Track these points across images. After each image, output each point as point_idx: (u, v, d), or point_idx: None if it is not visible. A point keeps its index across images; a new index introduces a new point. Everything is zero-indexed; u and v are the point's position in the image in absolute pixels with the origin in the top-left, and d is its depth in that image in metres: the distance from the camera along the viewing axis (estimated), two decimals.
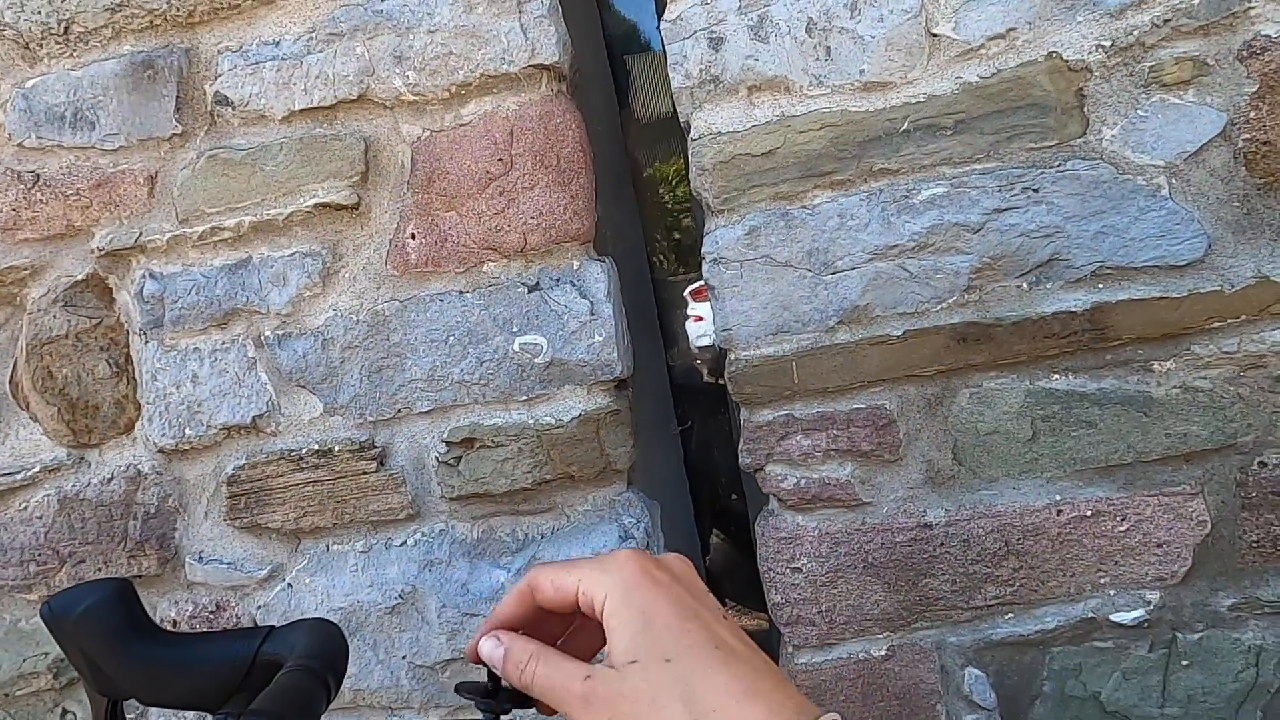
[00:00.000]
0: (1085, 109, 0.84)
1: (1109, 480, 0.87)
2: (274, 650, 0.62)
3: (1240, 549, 0.85)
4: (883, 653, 0.91)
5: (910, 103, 0.87)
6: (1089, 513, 0.86)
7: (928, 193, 0.87)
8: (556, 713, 0.44)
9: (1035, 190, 0.84)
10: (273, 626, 0.64)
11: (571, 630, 0.46)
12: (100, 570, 1.06)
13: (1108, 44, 0.82)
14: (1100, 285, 0.84)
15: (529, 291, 0.96)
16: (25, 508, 1.08)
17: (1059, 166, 0.84)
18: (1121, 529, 0.86)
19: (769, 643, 1.26)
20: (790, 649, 0.93)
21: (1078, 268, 0.84)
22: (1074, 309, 0.84)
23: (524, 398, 0.97)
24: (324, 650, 0.59)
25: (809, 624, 0.92)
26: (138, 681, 0.61)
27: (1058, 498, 0.87)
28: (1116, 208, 0.83)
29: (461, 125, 0.96)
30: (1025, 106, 0.84)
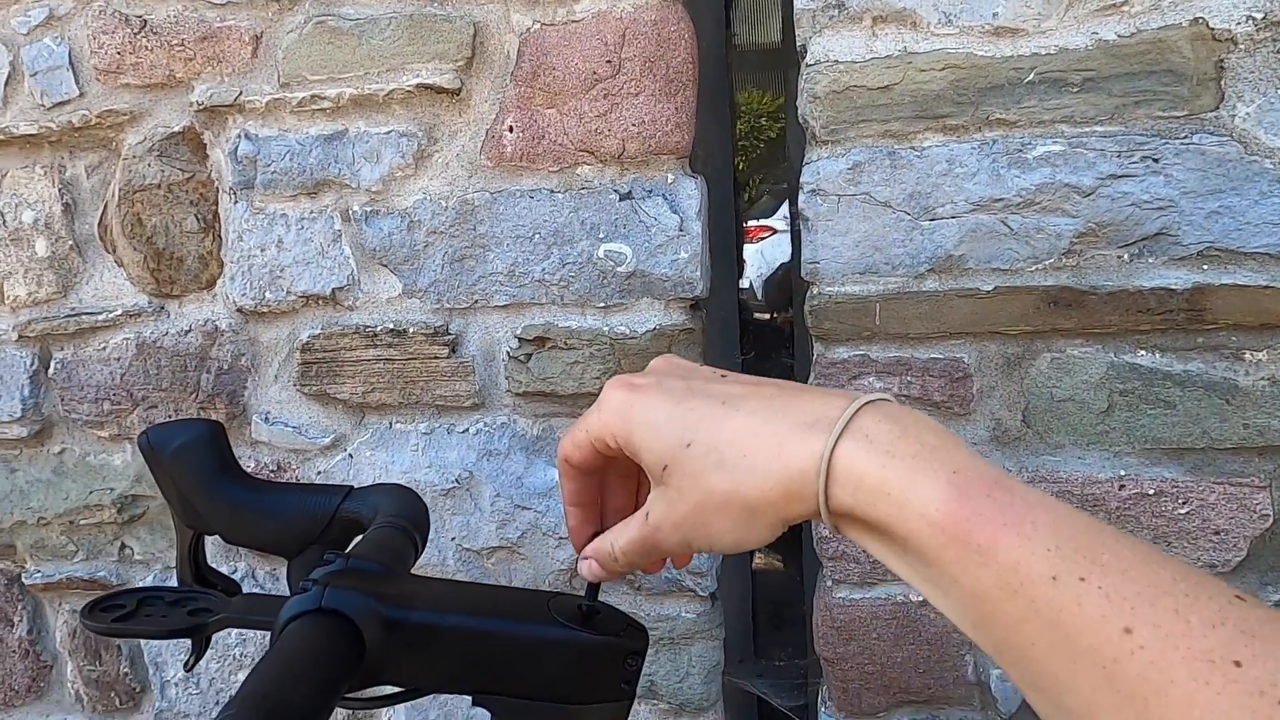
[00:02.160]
0: (1223, 82, 0.81)
1: (1177, 462, 0.86)
2: (354, 509, 0.65)
3: None
4: (921, 599, 0.93)
5: (1039, 53, 0.84)
6: (1151, 491, 0.86)
7: (1043, 149, 0.85)
8: (661, 566, 0.47)
9: (1155, 160, 0.82)
10: (352, 486, 0.67)
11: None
12: (171, 416, 1.10)
13: (1259, 16, 0.79)
14: (1205, 266, 0.83)
15: (620, 199, 0.95)
16: (104, 348, 1.12)
17: (1184, 138, 0.82)
18: (1182, 511, 0.86)
19: (793, 582, 1.29)
20: (830, 583, 0.95)
21: (1185, 245, 0.83)
22: (1173, 286, 0.83)
23: (601, 304, 0.97)
24: (411, 512, 0.61)
25: (852, 561, 0.93)
26: (223, 520, 0.64)
27: (1122, 473, 0.87)
28: (1237, 189, 0.81)
29: (574, 21, 0.94)
30: (1160, 72, 0.82)
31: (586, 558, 0.46)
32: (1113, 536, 0.31)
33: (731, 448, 0.38)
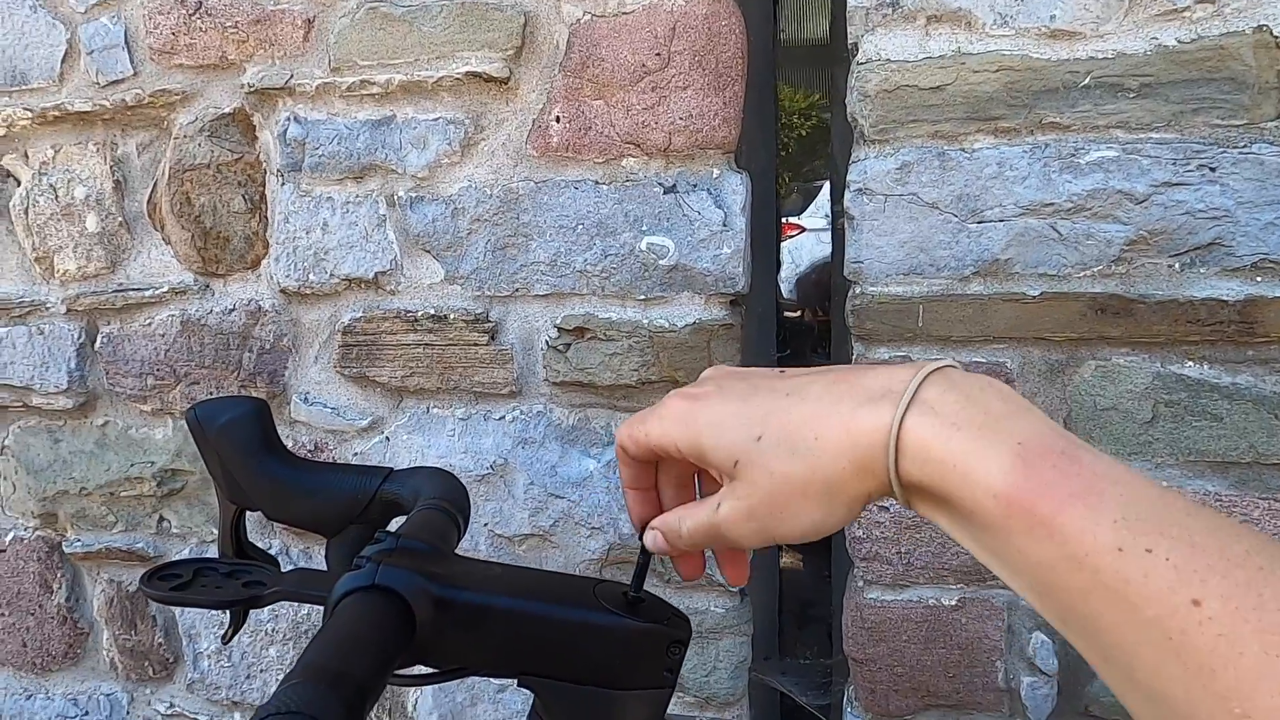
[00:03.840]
0: None
1: (1221, 476, 0.85)
2: (393, 490, 0.66)
3: None
4: (953, 602, 0.92)
5: (1096, 57, 0.83)
6: None
7: (1096, 154, 0.84)
8: (701, 571, 0.47)
9: (1212, 169, 0.81)
10: (392, 469, 0.68)
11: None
12: (213, 393, 1.11)
13: None
14: (1259, 278, 0.81)
15: (665, 193, 0.95)
16: (150, 324, 1.13)
17: (1243, 147, 0.80)
18: None
19: (819, 581, 1.28)
20: (861, 583, 0.95)
21: (1239, 256, 0.81)
22: (1225, 298, 0.82)
23: (642, 297, 0.97)
24: (453, 495, 0.62)
25: (885, 563, 0.93)
26: (265, 496, 0.65)
27: (1164, 484, 0.86)
28: None
29: (624, 13, 0.95)
30: (1220, 79, 0.80)
31: (654, 529, 0.46)
32: (1184, 508, 0.30)
33: (802, 432, 0.38)
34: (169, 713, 1.24)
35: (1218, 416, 0.84)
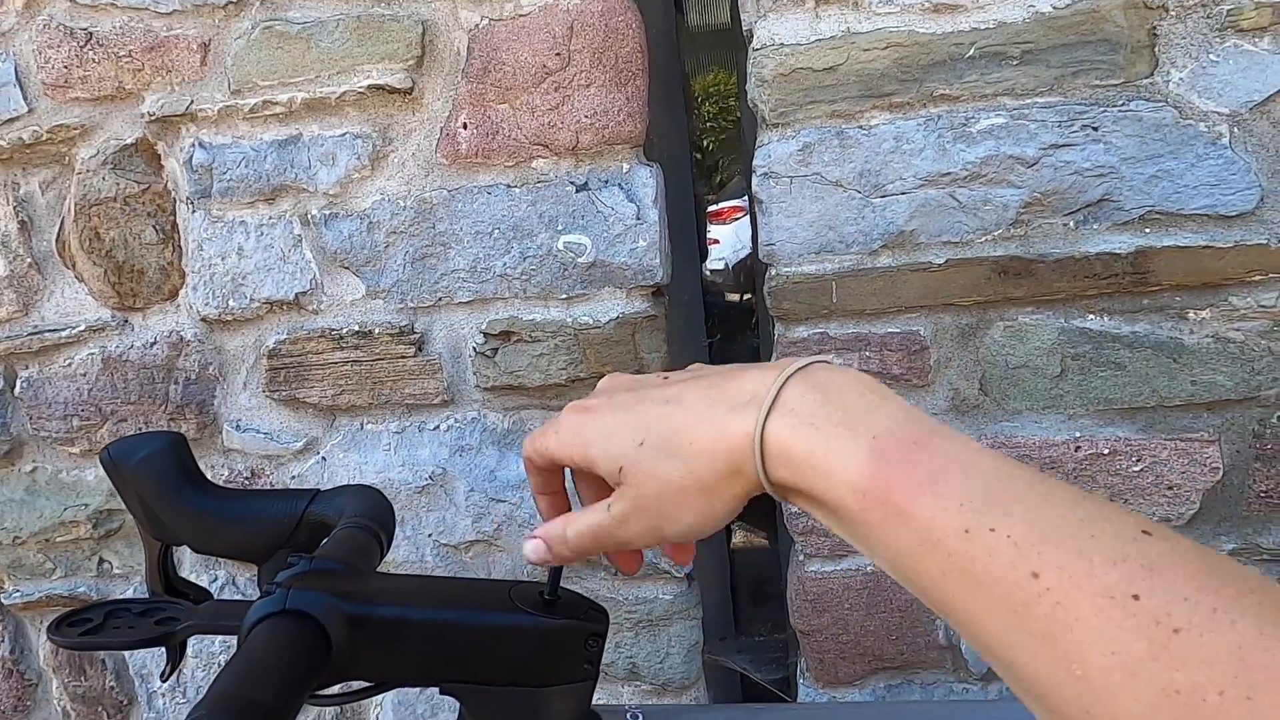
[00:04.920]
0: (1156, 49, 0.83)
1: (1129, 422, 0.89)
2: (320, 511, 0.66)
3: (1248, 498, 0.88)
4: None
5: (979, 28, 0.85)
6: (1106, 451, 0.89)
7: (986, 122, 0.86)
8: (636, 567, 0.48)
9: (1095, 129, 0.84)
10: (318, 489, 0.68)
11: None
12: (141, 429, 1.10)
13: None
14: (1147, 230, 0.85)
15: (577, 191, 0.96)
16: (70, 364, 1.11)
17: (1122, 106, 0.84)
18: (1136, 469, 0.89)
19: (774, 558, 1.31)
20: (801, 557, 0.97)
21: (1127, 210, 0.85)
22: (1118, 251, 0.85)
23: (564, 296, 0.98)
24: (375, 511, 0.62)
25: (822, 535, 0.95)
26: (189, 529, 0.65)
27: (1077, 434, 0.90)
28: (1174, 153, 0.83)
29: (521, 15, 0.95)
30: (1095, 41, 0.83)
31: (536, 538, 0.47)
32: (1027, 483, 0.32)
33: (679, 439, 0.40)
34: None
35: (1121, 365, 0.87)
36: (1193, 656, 0.25)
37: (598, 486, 0.49)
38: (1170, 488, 0.88)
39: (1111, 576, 0.28)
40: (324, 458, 1.07)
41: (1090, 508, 0.31)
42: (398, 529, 1.06)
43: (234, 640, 1.16)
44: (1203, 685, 0.25)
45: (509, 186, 0.98)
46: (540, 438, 0.46)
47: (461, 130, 0.98)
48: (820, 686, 0.99)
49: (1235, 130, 0.82)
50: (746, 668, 1.09)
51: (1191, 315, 0.86)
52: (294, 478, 1.08)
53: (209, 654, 1.15)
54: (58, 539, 1.16)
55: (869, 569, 0.96)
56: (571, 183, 0.96)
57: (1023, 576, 0.29)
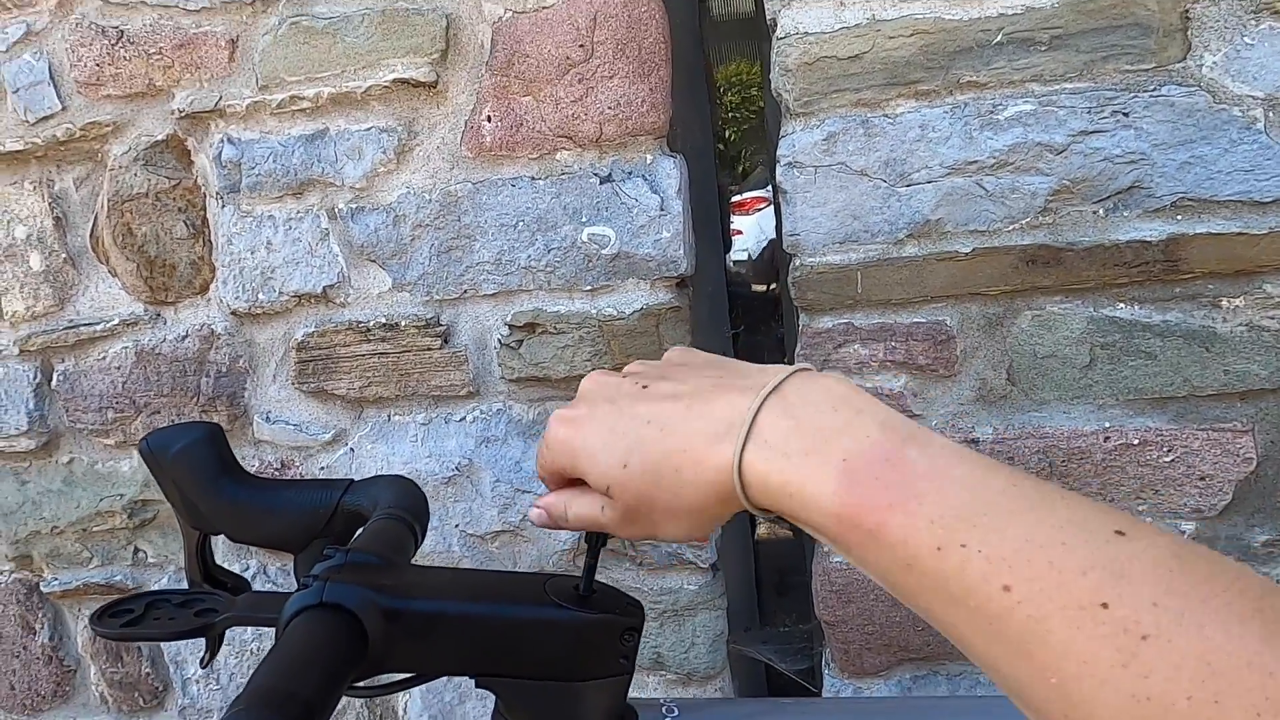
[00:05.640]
0: (1189, 32, 0.81)
1: (1160, 412, 0.88)
2: (354, 501, 0.66)
3: None
4: None
5: (1006, 14, 0.84)
6: (1136, 441, 0.88)
7: (1014, 109, 0.85)
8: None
9: (1125, 114, 0.83)
10: (352, 480, 0.68)
11: None
12: (174, 421, 1.12)
13: None
14: (1179, 217, 0.84)
15: (601, 183, 0.96)
16: (104, 358, 1.13)
17: (1153, 91, 0.82)
18: (1166, 459, 0.87)
19: (799, 549, 1.30)
20: (826, 548, 0.97)
21: (1158, 197, 0.84)
22: (1149, 239, 0.84)
23: (588, 287, 0.99)
24: (409, 503, 0.63)
25: None
26: (226, 519, 0.66)
27: (1107, 425, 0.89)
28: (1207, 138, 0.82)
29: (545, 8, 0.95)
30: (1126, 25, 0.82)
31: (540, 507, 0.48)
32: (1000, 489, 0.32)
33: (663, 466, 0.40)
34: None
35: (1151, 354, 0.86)
36: (1161, 663, 0.26)
37: None
38: (1202, 478, 0.87)
39: (1081, 586, 0.28)
40: (352, 449, 1.08)
41: (1064, 511, 0.31)
42: None
43: (270, 629, 1.17)
44: (1171, 692, 0.25)
45: (533, 179, 0.98)
46: (540, 454, 0.48)
47: (486, 123, 0.98)
48: (845, 677, 0.99)
49: (1270, 115, 0.80)
50: (771, 658, 1.09)
51: (1224, 303, 0.84)
52: (323, 468, 1.09)
53: (241, 641, 1.17)
54: (94, 529, 1.19)
55: None
56: (595, 174, 0.96)
57: (995, 590, 0.29)
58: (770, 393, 0.39)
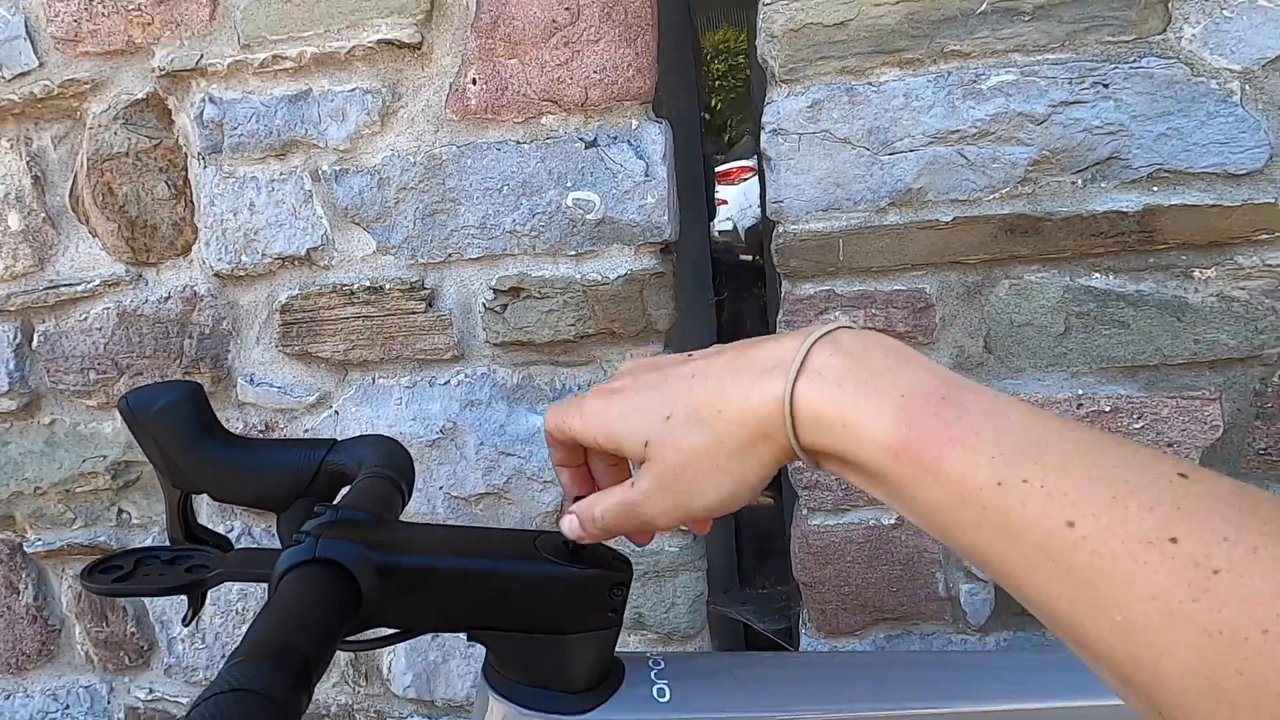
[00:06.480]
0: (1169, 4, 0.82)
1: (1132, 380, 0.90)
2: (338, 460, 0.67)
3: (1246, 455, 0.89)
4: (892, 522, 0.97)
5: None
6: (1108, 409, 0.90)
7: (997, 79, 0.86)
8: (649, 539, 0.50)
9: (1106, 85, 0.84)
10: (336, 439, 0.69)
11: None
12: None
13: None
14: (1155, 188, 0.85)
15: (586, 147, 0.96)
16: (85, 319, 1.13)
17: (1133, 63, 0.83)
18: (1136, 427, 0.90)
19: (780, 518, 1.33)
20: (805, 511, 0.99)
21: (1135, 168, 0.85)
22: (1125, 209, 0.85)
23: (572, 253, 0.99)
24: (395, 461, 0.63)
25: (825, 490, 0.97)
26: (208, 478, 0.66)
27: (1080, 392, 0.91)
28: (1184, 110, 0.83)
29: None
30: None
31: (571, 514, 0.48)
32: (1059, 432, 0.32)
33: (707, 408, 0.40)
34: (150, 699, 1.26)
35: (1125, 324, 0.88)
36: (1233, 597, 0.25)
37: (617, 470, 0.50)
38: (1170, 445, 0.90)
39: (1148, 521, 0.28)
40: (337, 411, 1.09)
41: (1124, 453, 0.31)
42: None
43: (251, 588, 1.18)
44: (1245, 625, 0.25)
45: (518, 143, 0.98)
46: (564, 416, 0.47)
47: (471, 86, 0.98)
48: (822, 637, 1.02)
49: (1247, 88, 0.82)
50: (750, 618, 1.11)
51: (1197, 274, 0.86)
52: (307, 431, 1.10)
53: (226, 602, 1.18)
54: (77, 490, 1.19)
55: (871, 523, 0.97)
56: (580, 139, 0.96)
57: (1057, 526, 0.29)
58: (822, 335, 0.39)
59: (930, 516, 0.34)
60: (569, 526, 0.48)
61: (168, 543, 0.68)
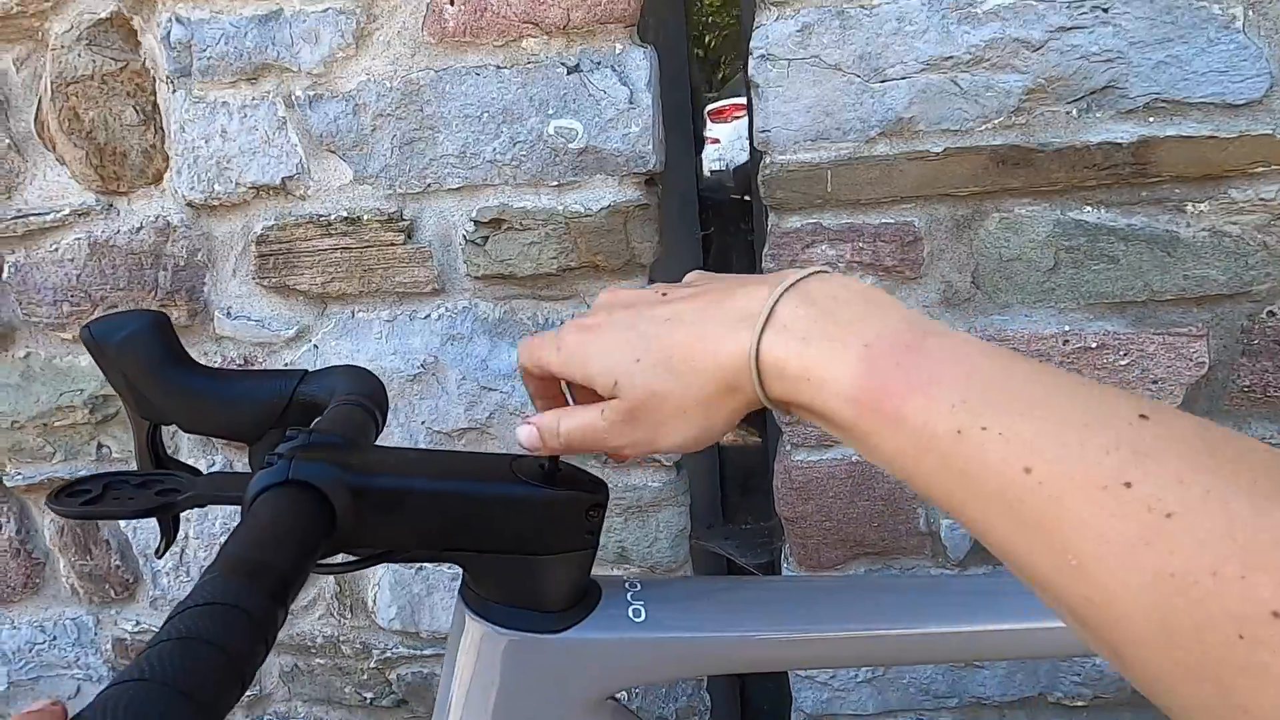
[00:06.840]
0: None
1: (1119, 316, 0.89)
2: (310, 391, 0.66)
3: (1231, 392, 0.89)
4: None
5: None
6: (1094, 344, 0.89)
7: (993, 2, 0.83)
8: (627, 459, 0.49)
9: (1105, 10, 0.81)
10: (307, 370, 0.68)
11: None
12: None
13: None
14: (1151, 119, 0.83)
15: (568, 73, 0.93)
16: (56, 249, 1.10)
17: None
18: (1122, 363, 0.89)
19: (763, 455, 1.33)
20: (788, 447, 0.99)
21: (1132, 98, 0.83)
22: (1120, 141, 0.83)
23: (555, 183, 0.97)
24: (368, 390, 0.62)
25: (808, 426, 0.96)
26: (177, 408, 0.64)
27: (1067, 328, 0.90)
28: (1185, 37, 0.80)
29: None
30: None
31: (530, 424, 0.48)
32: (1022, 377, 0.32)
33: (677, 356, 0.40)
34: (137, 630, 1.27)
35: (1114, 259, 0.87)
36: (1186, 540, 0.25)
37: (595, 399, 0.50)
38: (1155, 381, 0.89)
39: (1104, 466, 0.28)
40: (316, 345, 1.07)
41: (1087, 396, 0.30)
42: (392, 416, 1.07)
43: (234, 519, 1.17)
44: (1197, 568, 0.25)
45: (498, 68, 0.95)
46: (539, 351, 0.47)
47: (448, 6, 0.94)
48: (803, 570, 1.03)
49: (1249, 13, 0.79)
50: (733, 553, 1.12)
51: (1189, 208, 0.85)
52: (287, 364, 1.08)
53: (210, 535, 1.18)
54: (55, 424, 1.18)
55: (853, 458, 0.97)
56: (563, 64, 0.93)
57: (1015, 473, 0.29)
58: (790, 285, 0.39)
59: (894, 464, 0.34)
60: (527, 436, 0.48)
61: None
